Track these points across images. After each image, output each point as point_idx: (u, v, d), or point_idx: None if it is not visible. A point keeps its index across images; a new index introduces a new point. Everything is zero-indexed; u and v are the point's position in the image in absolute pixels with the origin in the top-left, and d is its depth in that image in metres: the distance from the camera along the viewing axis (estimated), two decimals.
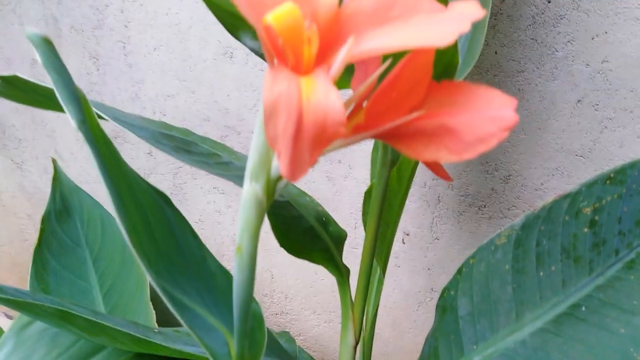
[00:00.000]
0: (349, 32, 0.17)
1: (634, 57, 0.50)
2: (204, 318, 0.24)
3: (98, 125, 0.21)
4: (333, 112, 0.15)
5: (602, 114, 0.54)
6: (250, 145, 0.21)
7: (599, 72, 0.52)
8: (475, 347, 0.46)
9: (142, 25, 0.75)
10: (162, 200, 0.26)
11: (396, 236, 0.73)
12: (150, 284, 0.56)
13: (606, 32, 0.50)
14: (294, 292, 0.86)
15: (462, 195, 0.66)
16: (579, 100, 0.54)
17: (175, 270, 0.25)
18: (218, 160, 0.34)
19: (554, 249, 0.46)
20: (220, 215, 0.83)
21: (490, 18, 0.55)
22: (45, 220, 0.65)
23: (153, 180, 0.85)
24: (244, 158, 0.42)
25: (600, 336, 0.43)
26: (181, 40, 0.73)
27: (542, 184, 0.60)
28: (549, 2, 0.52)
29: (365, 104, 0.21)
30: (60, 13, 0.80)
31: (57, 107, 0.33)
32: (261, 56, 0.29)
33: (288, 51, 0.16)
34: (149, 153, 0.85)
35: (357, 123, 0.20)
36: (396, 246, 0.73)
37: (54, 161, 0.65)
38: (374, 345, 0.82)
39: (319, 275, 0.81)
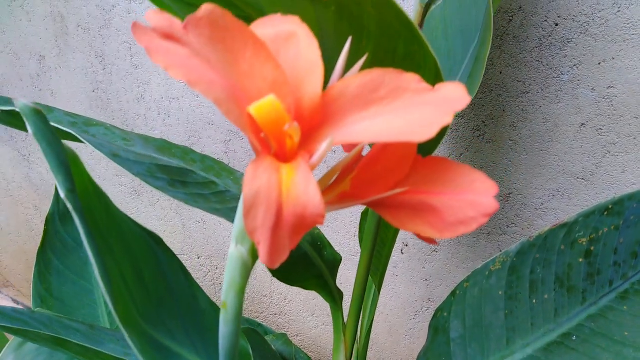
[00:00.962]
0: (335, 114, 0.17)
1: None
2: None
3: (89, 179, 0.22)
4: (312, 205, 0.15)
5: (605, 139, 0.53)
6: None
7: (604, 98, 0.52)
8: None
9: None
10: (153, 241, 0.27)
11: (395, 246, 0.73)
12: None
13: (613, 58, 0.50)
14: (293, 294, 0.87)
15: None
16: (582, 124, 0.54)
17: (165, 312, 0.25)
18: (214, 189, 0.35)
19: (548, 277, 0.46)
20: None
21: (496, 38, 0.54)
22: (49, 221, 0.66)
23: None
24: (241, 179, 0.42)
25: None
26: None
27: (542, 203, 0.60)
28: (557, 25, 0.51)
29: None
30: (67, 11, 0.80)
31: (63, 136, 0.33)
32: None
33: (271, 140, 0.16)
34: None
35: (344, 190, 0.20)
36: (395, 256, 0.73)
37: None
38: (370, 350, 0.83)
39: None
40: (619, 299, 0.45)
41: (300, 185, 0.16)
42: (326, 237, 0.49)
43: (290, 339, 0.89)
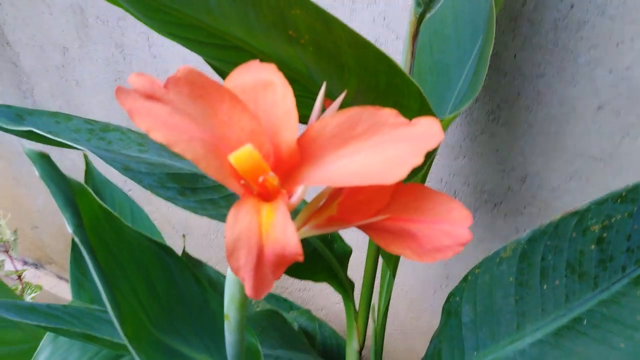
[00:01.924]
0: (314, 153, 0.19)
1: None
2: None
3: (98, 206, 0.23)
4: (290, 246, 0.17)
5: (624, 121, 0.52)
6: None
7: (622, 79, 0.50)
8: (475, 353, 0.48)
9: None
10: (164, 253, 0.29)
11: None
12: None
13: (632, 39, 0.48)
14: None
15: (478, 192, 0.66)
16: (600, 106, 0.53)
17: (177, 319, 0.28)
18: (224, 192, 0.36)
19: (559, 264, 0.46)
20: None
21: (509, 22, 0.53)
22: None
23: None
24: None
25: (600, 350, 0.44)
26: None
27: (559, 185, 0.59)
28: (572, 6, 0.49)
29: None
30: (86, 3, 0.81)
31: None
32: None
33: (251, 183, 0.17)
34: None
35: (331, 215, 0.22)
36: None
37: (85, 157, 0.69)
38: (392, 325, 0.86)
39: None
40: (632, 284, 0.45)
41: (279, 227, 0.17)
42: None
43: (315, 313, 0.93)
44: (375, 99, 0.23)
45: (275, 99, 0.18)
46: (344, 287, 0.47)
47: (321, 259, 0.44)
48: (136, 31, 0.79)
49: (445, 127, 0.43)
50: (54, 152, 0.97)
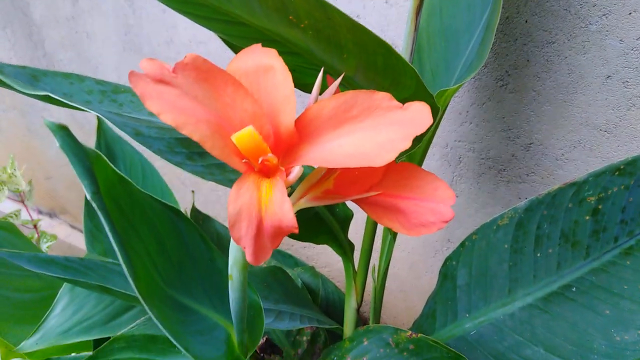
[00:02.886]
0: (312, 133, 0.20)
1: None
2: (207, 318, 0.29)
3: (112, 171, 0.25)
4: (286, 220, 0.18)
5: (631, 92, 0.52)
6: None
7: (632, 49, 0.50)
8: (467, 315, 0.50)
9: None
10: (174, 214, 0.31)
11: None
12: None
13: None
14: None
15: (482, 158, 0.67)
16: (608, 76, 0.52)
17: (186, 276, 0.30)
18: None
19: (553, 233, 0.48)
20: None
21: None
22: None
23: None
24: None
25: (586, 316, 0.46)
26: None
27: (562, 154, 0.60)
28: None
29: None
30: None
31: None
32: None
33: (252, 162, 0.19)
34: None
35: (327, 188, 0.23)
36: None
37: (98, 117, 0.70)
38: (393, 284, 0.89)
39: None
40: (623, 255, 0.47)
41: (277, 203, 0.18)
42: None
43: (318, 270, 0.96)
44: (374, 76, 0.23)
45: (275, 83, 0.19)
46: (344, 249, 0.49)
47: (323, 223, 0.46)
48: None
49: (449, 97, 0.43)
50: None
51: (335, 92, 0.24)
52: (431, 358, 0.43)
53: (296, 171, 0.18)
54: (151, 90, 0.17)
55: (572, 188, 0.47)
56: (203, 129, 0.17)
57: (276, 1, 0.19)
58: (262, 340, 0.59)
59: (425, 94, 0.24)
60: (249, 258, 0.19)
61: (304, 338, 0.75)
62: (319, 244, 0.48)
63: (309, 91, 0.33)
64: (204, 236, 0.33)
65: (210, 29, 0.27)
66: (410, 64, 0.23)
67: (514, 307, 0.48)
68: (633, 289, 0.46)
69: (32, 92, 0.34)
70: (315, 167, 0.24)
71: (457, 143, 0.67)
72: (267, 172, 0.19)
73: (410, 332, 0.46)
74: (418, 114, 0.19)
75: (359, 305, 0.53)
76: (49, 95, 0.32)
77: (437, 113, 0.26)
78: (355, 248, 0.53)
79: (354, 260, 0.53)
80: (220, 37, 0.30)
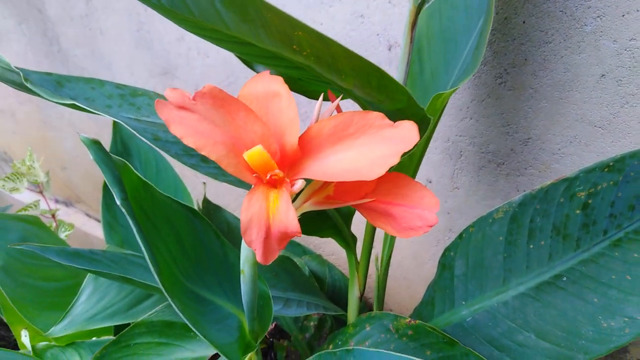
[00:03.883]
0: (314, 149, 0.23)
1: None
2: (221, 308, 0.33)
3: (137, 177, 0.28)
4: (291, 226, 0.21)
5: (625, 90, 0.54)
6: None
7: (625, 49, 0.52)
8: (464, 302, 0.53)
9: None
10: (191, 214, 0.34)
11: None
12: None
13: (638, 10, 0.49)
14: None
15: (482, 152, 0.69)
16: (603, 75, 0.54)
17: (202, 270, 0.33)
18: None
19: (546, 226, 0.50)
20: None
21: None
22: None
23: None
24: None
25: (575, 304, 0.49)
26: None
27: (559, 149, 0.62)
28: None
29: None
30: None
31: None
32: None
33: (261, 175, 0.22)
34: (195, 90, 0.92)
35: (328, 194, 0.26)
36: None
37: None
38: (397, 272, 0.92)
39: None
40: (612, 246, 0.49)
41: (282, 212, 0.21)
42: None
43: (326, 257, 0.99)
44: (370, 91, 0.26)
45: (281, 107, 0.21)
46: (347, 242, 0.52)
47: (328, 218, 0.49)
48: None
49: (446, 99, 0.46)
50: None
51: (336, 106, 0.27)
52: (428, 343, 0.46)
53: (299, 183, 0.21)
54: (175, 116, 0.20)
55: (563, 183, 0.49)
56: (219, 149, 0.20)
57: (281, 34, 0.21)
58: (271, 327, 0.63)
59: (416, 107, 0.26)
60: (259, 259, 0.22)
61: (312, 323, 0.79)
62: (324, 237, 0.51)
63: (313, 97, 0.36)
64: (218, 233, 0.36)
65: (223, 47, 0.29)
66: (400, 84, 0.25)
67: (507, 295, 0.51)
68: (620, 278, 0.48)
69: (59, 101, 0.37)
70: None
71: (458, 137, 0.70)
72: (274, 184, 0.22)
73: (409, 318, 0.49)
74: (407, 132, 0.22)
75: (362, 294, 0.56)
76: (74, 104, 0.35)
77: (428, 123, 0.29)
78: (358, 240, 0.56)
79: (357, 251, 0.56)
80: (233, 53, 0.32)
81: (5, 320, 0.61)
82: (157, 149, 0.34)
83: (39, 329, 0.51)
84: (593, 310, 0.48)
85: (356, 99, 0.31)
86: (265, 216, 0.21)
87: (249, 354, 0.35)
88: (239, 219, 0.87)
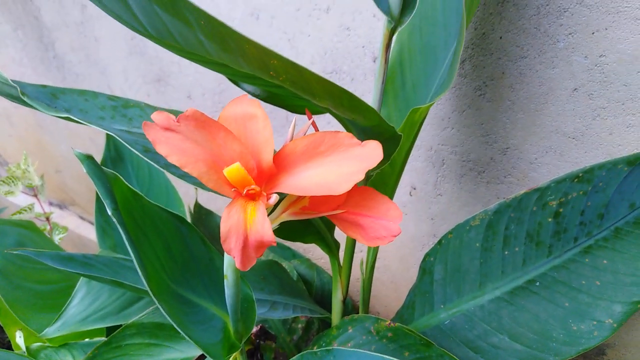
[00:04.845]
0: (288, 165, 0.25)
1: (630, 54, 0.52)
2: (206, 310, 0.35)
3: (127, 187, 0.30)
4: (266, 236, 0.24)
5: (596, 103, 0.57)
6: None
7: (596, 65, 0.54)
8: (442, 306, 0.56)
9: None
10: (177, 221, 0.36)
11: (404, 189, 0.81)
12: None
13: (606, 29, 0.52)
14: None
15: (464, 161, 0.71)
16: (575, 89, 0.57)
17: (188, 274, 0.35)
18: None
19: (520, 233, 0.53)
20: None
21: (497, 5, 0.57)
22: (103, 165, 0.77)
23: None
24: None
25: (547, 308, 0.52)
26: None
27: (536, 158, 0.65)
28: None
29: None
30: None
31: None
32: (257, 97, 0.36)
33: (240, 189, 0.24)
34: (188, 97, 0.94)
35: (304, 206, 0.28)
36: (404, 198, 0.81)
37: None
38: (384, 275, 0.94)
39: None
40: (582, 253, 0.52)
41: (259, 223, 0.24)
42: None
43: (315, 261, 1.02)
44: (343, 110, 0.28)
45: (258, 128, 0.24)
46: (330, 247, 0.54)
47: (311, 225, 0.51)
48: None
49: (424, 113, 0.48)
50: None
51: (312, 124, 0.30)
52: (406, 344, 0.49)
53: (274, 197, 0.24)
54: (160, 136, 0.22)
55: (536, 193, 0.52)
56: (200, 166, 0.22)
57: (259, 61, 0.23)
58: (256, 328, 0.65)
59: (386, 125, 0.29)
60: (237, 265, 0.24)
61: (299, 326, 0.81)
62: (308, 243, 0.53)
63: (294, 111, 0.38)
64: (204, 239, 0.38)
65: (208, 68, 0.32)
66: (368, 104, 0.28)
67: (483, 299, 0.54)
68: (590, 284, 0.51)
69: (55, 114, 0.39)
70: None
71: (440, 146, 0.72)
72: (252, 197, 0.24)
73: (389, 321, 0.51)
74: (372, 151, 0.24)
75: (345, 297, 0.59)
76: (69, 117, 0.37)
77: (398, 140, 0.31)
78: (341, 245, 0.58)
79: (340, 257, 0.58)
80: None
81: None
82: (147, 160, 0.36)
83: (34, 330, 0.53)
84: (564, 314, 0.51)
85: (334, 115, 0.34)
86: (243, 227, 0.23)
87: (234, 354, 0.37)
88: None
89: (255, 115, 0.24)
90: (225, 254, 0.30)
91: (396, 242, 0.88)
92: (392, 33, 0.37)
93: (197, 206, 0.84)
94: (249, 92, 0.37)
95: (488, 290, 0.54)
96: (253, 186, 0.23)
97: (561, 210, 0.51)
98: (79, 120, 0.38)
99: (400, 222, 0.25)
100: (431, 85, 0.55)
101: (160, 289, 0.30)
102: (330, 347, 0.39)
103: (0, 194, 1.04)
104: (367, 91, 0.74)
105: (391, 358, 0.37)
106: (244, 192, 0.24)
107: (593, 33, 0.53)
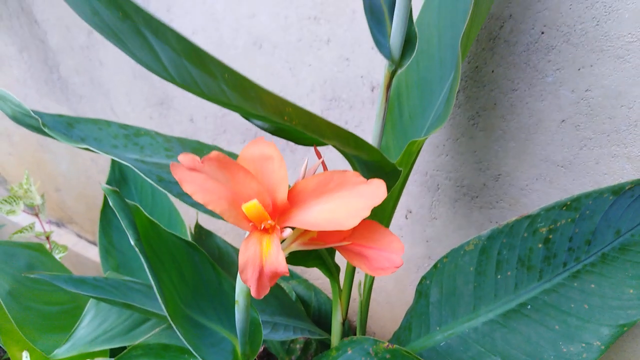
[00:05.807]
0: (300, 201, 0.27)
1: (613, 89, 0.55)
2: (216, 332, 0.37)
3: (146, 217, 0.33)
4: (280, 267, 0.26)
5: (582, 134, 0.60)
6: None
7: (582, 99, 0.58)
8: (438, 328, 0.58)
9: (182, 11, 0.83)
10: (190, 248, 0.38)
11: (401, 212, 0.83)
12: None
13: (591, 65, 0.55)
14: None
15: (458, 186, 0.74)
16: (563, 120, 0.60)
17: (199, 297, 0.37)
18: None
19: (512, 258, 0.55)
20: None
21: (489, 41, 0.60)
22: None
23: None
24: None
25: (538, 330, 0.54)
26: (216, 28, 0.81)
27: (526, 185, 0.68)
28: (543, 33, 0.56)
29: None
30: None
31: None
32: (266, 130, 0.39)
33: (257, 224, 0.26)
34: (190, 120, 0.96)
35: (312, 237, 0.31)
36: (400, 221, 0.83)
37: None
38: (380, 296, 0.96)
39: None
40: (571, 277, 0.54)
41: (274, 255, 0.26)
42: None
43: (312, 282, 1.03)
44: (350, 149, 0.31)
45: (274, 168, 0.26)
46: (331, 271, 0.56)
47: (313, 250, 0.53)
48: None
49: (420, 145, 0.51)
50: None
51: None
52: None
53: (288, 231, 0.26)
54: (187, 176, 0.24)
55: (527, 220, 0.54)
56: (223, 204, 0.24)
57: (275, 108, 0.26)
58: (260, 349, 0.66)
59: (387, 161, 0.32)
60: (253, 294, 0.27)
61: (297, 346, 0.83)
62: (309, 267, 0.55)
63: (302, 144, 0.41)
64: (214, 264, 0.40)
65: (224, 107, 0.34)
66: (372, 145, 0.30)
67: (477, 322, 0.56)
68: (579, 307, 0.53)
69: (73, 144, 0.41)
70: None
71: (435, 172, 0.75)
72: (267, 231, 0.27)
73: (387, 343, 0.53)
74: (376, 189, 0.27)
75: (344, 318, 0.60)
76: (88, 148, 0.40)
77: (398, 174, 0.34)
78: (341, 269, 0.60)
79: (340, 280, 0.60)
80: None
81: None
82: (161, 189, 0.38)
83: (41, 351, 0.54)
84: (554, 336, 0.53)
85: (340, 151, 0.36)
86: (259, 259, 0.26)
87: None
88: (229, 244, 0.91)
89: (271, 156, 0.26)
90: (238, 281, 0.32)
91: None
92: (392, 75, 0.40)
93: (198, 227, 0.86)
94: (258, 126, 0.40)
95: (482, 312, 0.56)
96: (269, 221, 0.26)
97: (551, 236, 0.54)
98: (96, 151, 0.40)
99: (402, 254, 0.27)
100: (428, 116, 0.58)
101: (176, 313, 0.32)
102: None
103: (0, 212, 1.05)
104: (365, 118, 0.77)
105: None
106: (261, 227, 0.26)
107: (579, 69, 0.56)
